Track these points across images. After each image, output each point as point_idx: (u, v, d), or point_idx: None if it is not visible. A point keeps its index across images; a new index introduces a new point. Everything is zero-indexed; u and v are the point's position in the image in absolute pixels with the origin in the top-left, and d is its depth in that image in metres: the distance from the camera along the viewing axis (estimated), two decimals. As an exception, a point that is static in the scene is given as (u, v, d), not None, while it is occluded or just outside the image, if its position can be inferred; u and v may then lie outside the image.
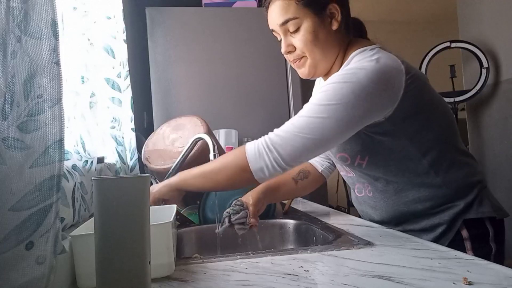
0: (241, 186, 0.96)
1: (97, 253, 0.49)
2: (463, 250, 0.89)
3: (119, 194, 0.48)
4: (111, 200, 0.48)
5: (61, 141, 0.50)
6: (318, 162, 1.17)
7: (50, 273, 0.49)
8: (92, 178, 0.50)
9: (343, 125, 0.82)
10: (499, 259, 0.92)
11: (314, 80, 1.26)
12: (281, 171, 0.86)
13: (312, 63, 0.94)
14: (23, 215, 0.46)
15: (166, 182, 0.97)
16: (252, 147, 0.89)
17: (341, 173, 1.08)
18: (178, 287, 0.62)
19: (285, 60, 2.15)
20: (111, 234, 0.48)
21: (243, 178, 0.89)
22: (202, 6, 2.11)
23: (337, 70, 0.92)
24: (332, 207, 1.35)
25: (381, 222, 1.01)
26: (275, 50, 2.09)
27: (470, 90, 2.92)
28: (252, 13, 2.08)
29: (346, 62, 0.91)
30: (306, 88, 2.15)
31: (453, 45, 2.95)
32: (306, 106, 0.87)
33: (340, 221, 1.05)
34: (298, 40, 0.92)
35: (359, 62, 0.85)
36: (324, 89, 0.84)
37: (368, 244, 0.79)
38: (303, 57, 0.94)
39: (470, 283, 0.55)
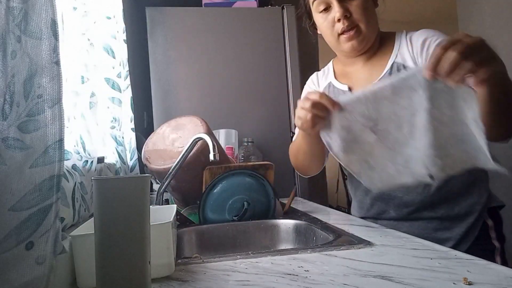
0: None
1: (97, 253, 0.49)
2: (489, 239, 0.95)
3: (119, 194, 0.48)
4: (111, 200, 0.48)
5: (61, 141, 0.50)
6: None
7: (50, 273, 0.49)
8: (92, 178, 0.50)
9: None
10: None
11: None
12: None
13: (365, 34, 0.95)
14: (23, 215, 0.46)
15: None
16: None
17: None
18: (178, 287, 0.62)
19: (285, 60, 2.16)
20: (111, 234, 0.48)
21: None
22: (202, 6, 2.10)
23: (372, 52, 1.01)
24: (332, 207, 1.34)
25: (410, 204, 0.98)
26: (275, 50, 2.09)
27: (470, 90, 2.91)
28: (252, 13, 2.08)
29: (399, 41, 0.98)
30: (306, 88, 2.15)
31: (453, 45, 2.95)
32: None
33: (340, 221, 1.05)
34: (356, 6, 0.94)
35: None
36: None
37: (368, 244, 0.78)
38: (355, 27, 0.94)
39: (470, 283, 0.55)
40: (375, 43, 1.02)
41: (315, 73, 1.21)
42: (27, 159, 0.47)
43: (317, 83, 1.17)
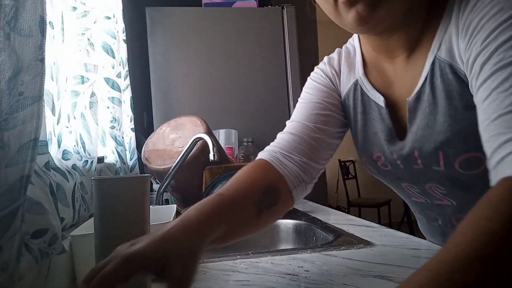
0: None
1: (97, 253, 0.49)
2: None
3: (119, 194, 0.48)
4: (111, 200, 0.48)
5: (35, 140, 0.49)
6: (292, 177, 0.67)
7: (10, 281, 0.46)
8: (92, 178, 0.50)
9: None
10: None
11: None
12: None
13: None
14: None
15: None
16: None
17: (414, 199, 0.70)
18: (178, 287, 0.62)
19: (285, 60, 2.16)
20: (111, 234, 0.48)
21: None
22: (202, 6, 2.11)
23: (416, 29, 0.57)
24: (332, 207, 1.34)
25: None
26: (275, 50, 2.09)
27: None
28: (252, 13, 2.08)
29: (452, 7, 0.52)
30: (306, 88, 2.15)
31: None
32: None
33: (340, 221, 1.05)
34: None
35: None
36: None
37: (368, 244, 0.78)
38: None
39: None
40: (415, 8, 0.56)
41: (325, 60, 0.76)
42: (4, 158, 0.45)
43: (335, 77, 0.73)
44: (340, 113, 0.73)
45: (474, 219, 0.35)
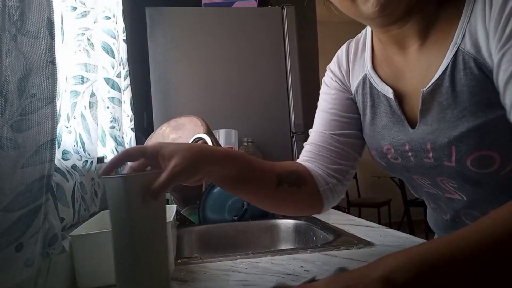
0: None
1: (120, 249, 0.48)
2: None
3: (144, 189, 0.48)
4: (137, 196, 0.47)
5: (52, 141, 0.50)
6: (321, 174, 0.72)
7: (38, 276, 0.48)
8: (119, 175, 0.50)
9: None
10: None
11: (317, 81, 1.05)
12: None
13: None
14: (14, 216, 0.45)
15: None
16: None
17: (426, 189, 0.69)
18: (178, 287, 0.62)
19: (285, 60, 2.16)
20: (139, 229, 0.48)
21: None
22: (202, 6, 2.11)
23: (427, 19, 0.57)
24: (332, 207, 1.33)
25: None
26: (275, 50, 2.09)
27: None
28: (252, 13, 2.08)
29: None
30: (306, 89, 2.15)
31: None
32: None
33: (340, 221, 1.05)
34: None
35: None
36: None
37: (368, 244, 0.78)
38: None
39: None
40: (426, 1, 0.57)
41: (334, 58, 0.77)
42: (19, 159, 0.46)
43: (343, 76, 0.74)
44: (354, 112, 0.73)
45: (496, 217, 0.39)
